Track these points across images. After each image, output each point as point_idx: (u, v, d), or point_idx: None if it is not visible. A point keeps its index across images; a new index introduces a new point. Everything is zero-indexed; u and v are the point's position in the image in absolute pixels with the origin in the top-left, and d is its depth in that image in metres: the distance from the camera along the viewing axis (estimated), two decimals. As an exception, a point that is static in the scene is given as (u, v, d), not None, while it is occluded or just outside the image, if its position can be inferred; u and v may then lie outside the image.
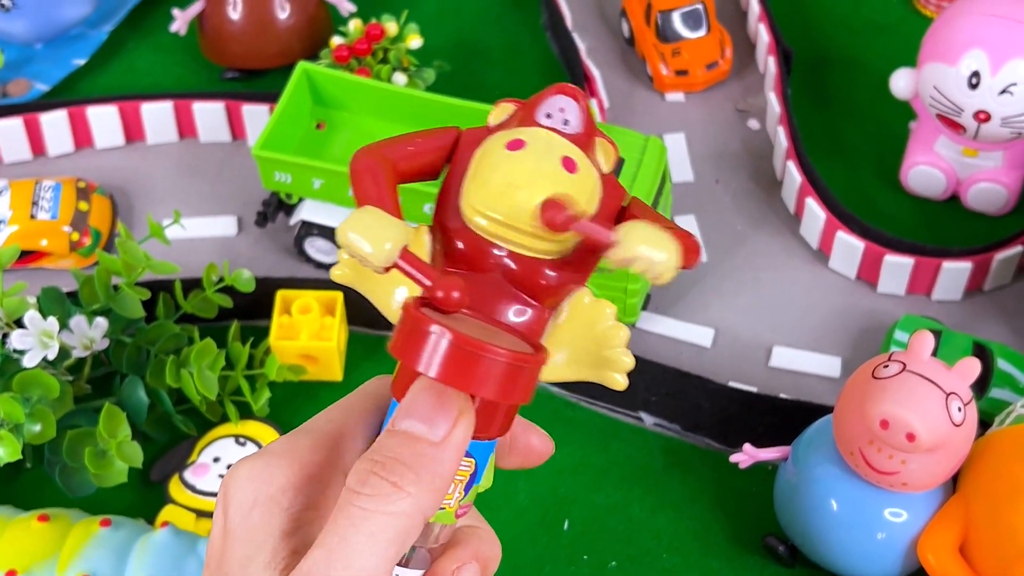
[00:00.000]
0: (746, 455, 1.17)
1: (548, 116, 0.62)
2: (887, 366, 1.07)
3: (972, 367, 1.06)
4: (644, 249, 0.59)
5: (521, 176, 0.60)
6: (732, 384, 1.25)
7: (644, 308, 1.32)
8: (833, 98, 1.51)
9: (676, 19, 1.50)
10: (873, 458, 1.07)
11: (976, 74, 1.27)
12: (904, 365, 1.07)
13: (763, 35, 1.50)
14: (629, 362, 0.63)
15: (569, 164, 0.61)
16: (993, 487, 1.08)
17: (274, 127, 1.31)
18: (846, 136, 1.47)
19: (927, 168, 1.38)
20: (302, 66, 1.35)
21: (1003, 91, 1.27)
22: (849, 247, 1.33)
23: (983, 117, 1.28)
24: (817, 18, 1.58)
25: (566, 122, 0.62)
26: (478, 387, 0.59)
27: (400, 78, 1.41)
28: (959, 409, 1.05)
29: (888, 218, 1.40)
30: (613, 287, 1.27)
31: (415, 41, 1.43)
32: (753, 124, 1.49)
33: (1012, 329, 1.32)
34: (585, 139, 0.63)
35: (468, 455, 0.63)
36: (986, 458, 1.10)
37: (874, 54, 1.54)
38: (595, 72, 1.48)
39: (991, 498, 1.08)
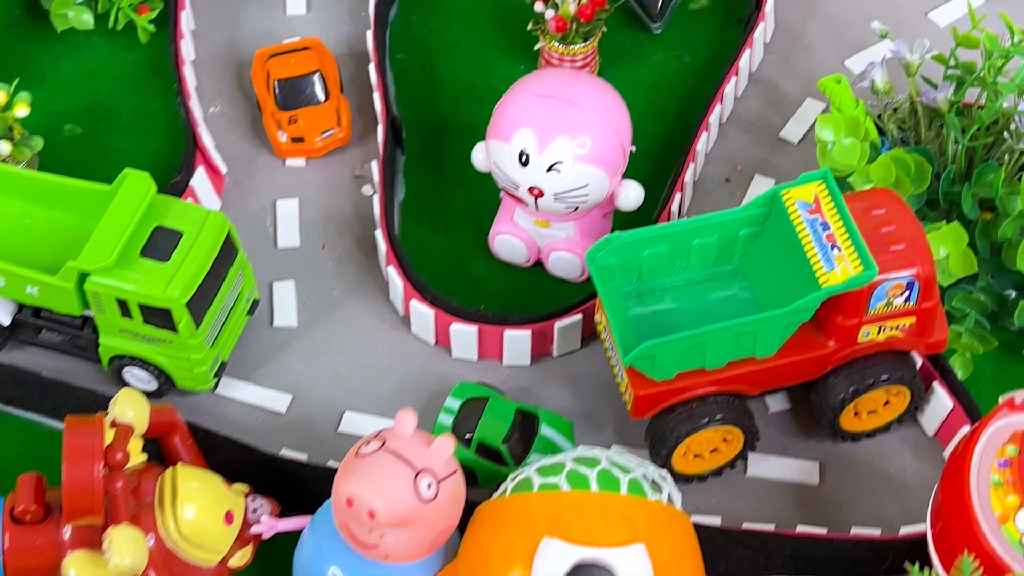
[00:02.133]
0: (265, 526, 1.22)
1: None
2: (369, 444, 1.12)
3: (446, 446, 1.12)
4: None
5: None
6: (284, 453, 1.30)
7: (219, 374, 1.36)
8: (446, 164, 1.56)
9: (293, 88, 1.55)
10: (356, 532, 1.12)
11: (525, 152, 1.33)
12: (384, 442, 1.12)
13: (378, 104, 1.55)
14: None
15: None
16: (472, 556, 1.13)
17: None
18: (452, 201, 1.53)
19: (509, 237, 1.44)
20: None
21: (550, 168, 1.33)
22: (422, 315, 1.39)
23: (537, 193, 1.34)
24: (445, 87, 1.63)
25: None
26: None
27: (4, 146, 1.44)
28: (429, 486, 1.10)
29: (478, 283, 1.46)
30: (178, 357, 1.32)
31: (21, 110, 1.46)
32: (367, 190, 1.54)
33: (575, 393, 1.38)
34: None
35: None
36: (474, 527, 1.15)
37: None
38: (207, 141, 1.52)
39: (471, 566, 1.13)
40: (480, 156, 1.40)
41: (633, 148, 1.39)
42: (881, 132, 1.47)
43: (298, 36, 1.66)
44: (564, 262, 1.43)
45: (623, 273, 1.29)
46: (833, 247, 1.24)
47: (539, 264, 1.46)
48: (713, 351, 1.22)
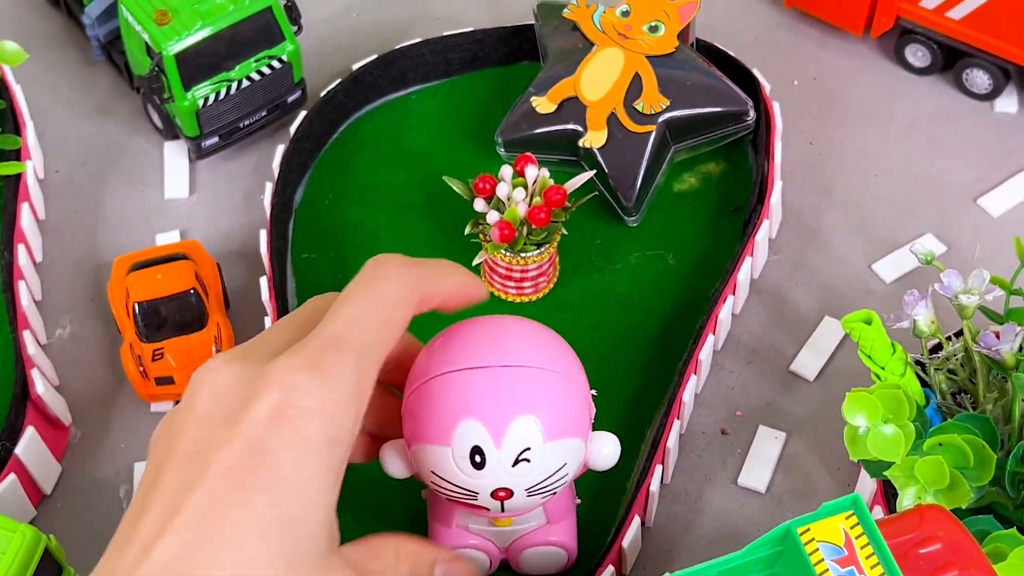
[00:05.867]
0: None
1: None
2: None
3: None
4: None
5: None
6: None
7: None
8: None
9: (159, 312, 1.19)
10: None
11: (478, 450, 0.95)
12: None
13: (269, 333, 1.20)
14: None
15: None
16: None
17: None
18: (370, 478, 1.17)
19: (460, 550, 1.06)
20: None
21: (517, 462, 0.95)
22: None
23: (505, 495, 0.96)
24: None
25: None
26: None
27: None
28: None
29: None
30: None
31: None
32: (254, 446, 1.18)
33: None
34: None
35: None
36: None
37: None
38: (42, 388, 1.16)
39: None
40: (395, 464, 0.98)
41: (594, 392, 1.02)
42: (925, 383, 1.12)
43: (176, 228, 1.31)
44: (545, 556, 1.06)
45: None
46: (877, 613, 0.88)
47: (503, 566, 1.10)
48: None
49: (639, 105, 1.27)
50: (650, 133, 1.26)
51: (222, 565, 0.69)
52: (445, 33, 1.39)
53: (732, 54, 1.35)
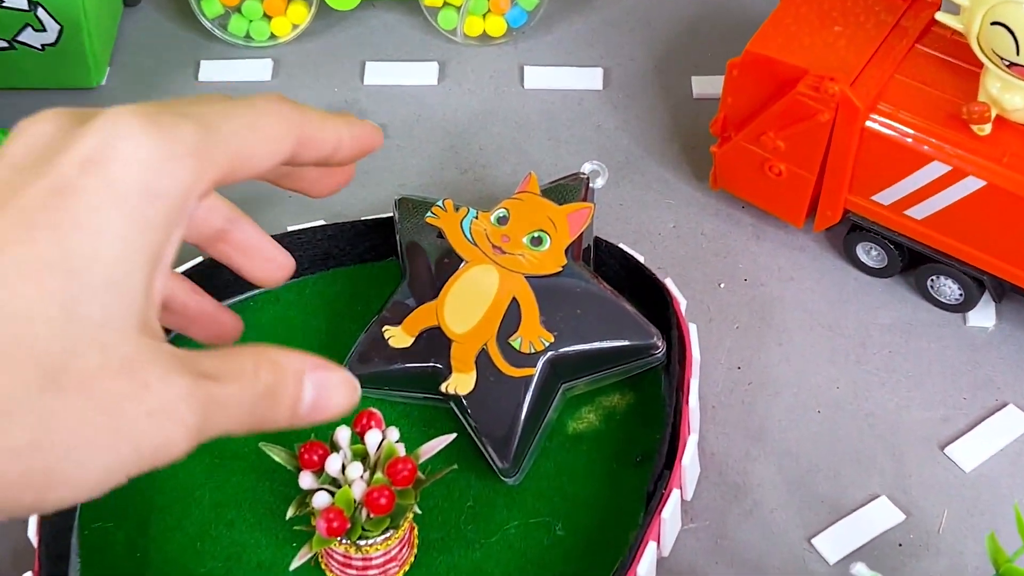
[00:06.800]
0: None
1: None
2: None
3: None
4: None
5: None
6: None
7: None
8: None
9: None
10: None
11: None
12: None
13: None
14: None
15: None
16: None
17: None
18: None
19: None
20: None
21: None
22: None
23: None
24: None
25: None
26: None
27: None
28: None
29: None
30: None
31: None
32: None
33: None
34: None
35: None
36: None
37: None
38: None
39: None
40: None
41: None
42: None
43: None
44: None
45: None
46: None
47: None
48: None
49: (516, 342, 1.00)
50: (530, 377, 1.00)
51: None
52: (289, 228, 1.12)
53: (640, 259, 1.09)
